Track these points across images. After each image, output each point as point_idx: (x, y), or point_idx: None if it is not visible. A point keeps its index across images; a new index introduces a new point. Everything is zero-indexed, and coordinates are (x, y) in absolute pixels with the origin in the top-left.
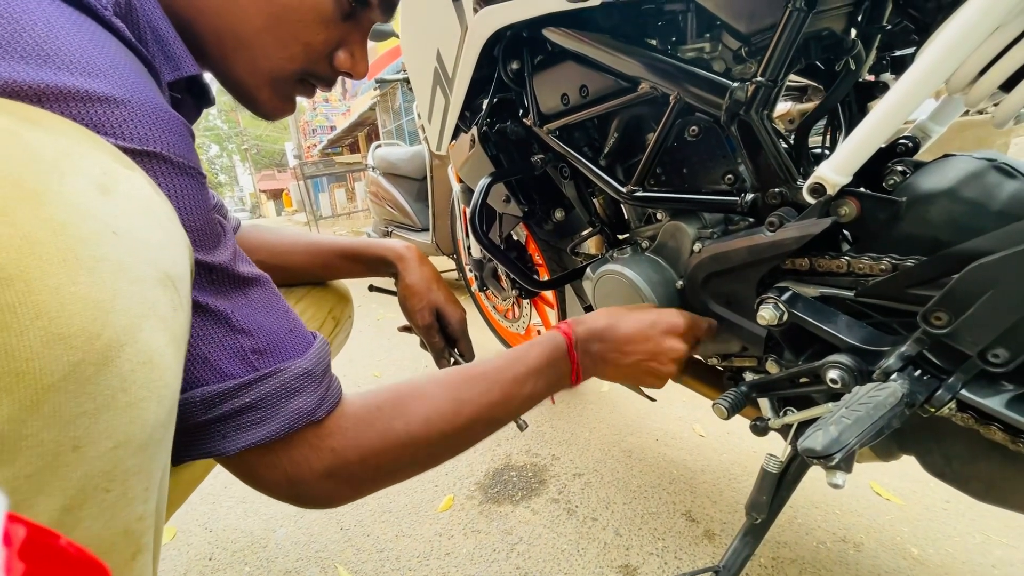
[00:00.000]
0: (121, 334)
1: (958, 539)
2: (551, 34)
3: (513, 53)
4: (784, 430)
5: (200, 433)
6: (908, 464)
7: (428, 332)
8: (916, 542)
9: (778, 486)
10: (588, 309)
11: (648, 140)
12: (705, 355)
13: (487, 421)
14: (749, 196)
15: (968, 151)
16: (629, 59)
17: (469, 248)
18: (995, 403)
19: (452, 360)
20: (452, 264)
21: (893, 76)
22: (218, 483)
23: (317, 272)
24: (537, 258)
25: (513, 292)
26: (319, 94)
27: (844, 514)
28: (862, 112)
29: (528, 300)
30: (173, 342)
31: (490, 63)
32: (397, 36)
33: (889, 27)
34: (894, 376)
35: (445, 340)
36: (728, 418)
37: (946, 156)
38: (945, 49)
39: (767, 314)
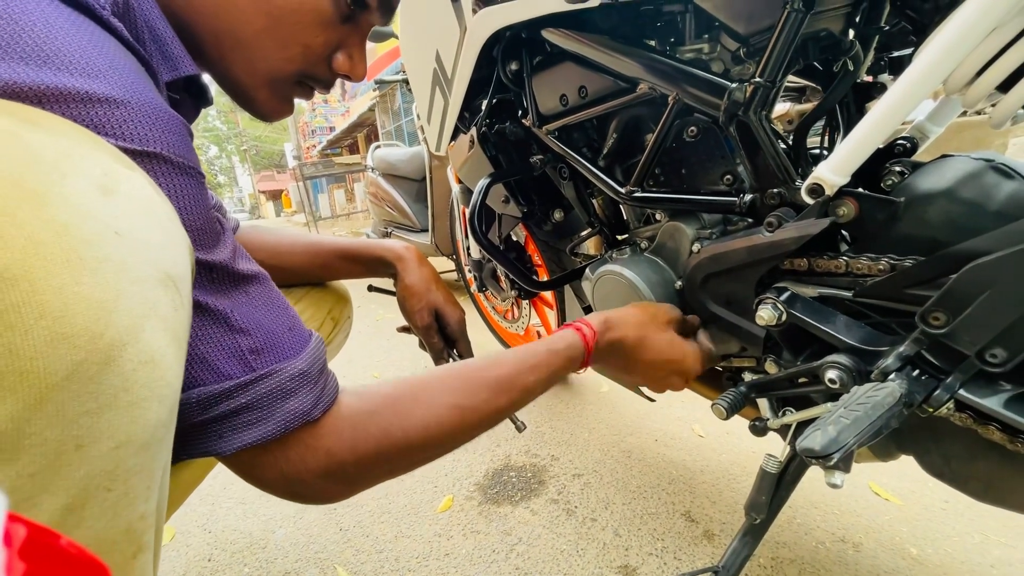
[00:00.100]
0: (123, 334)
1: (957, 539)
2: (550, 35)
3: (512, 54)
4: (783, 430)
5: (197, 433)
6: (907, 464)
7: (427, 333)
8: (915, 542)
9: (777, 486)
10: (588, 310)
11: (647, 141)
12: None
13: (488, 425)
14: (748, 197)
15: (966, 152)
16: (628, 60)
17: (468, 249)
18: (993, 403)
19: (451, 361)
20: (451, 265)
21: (891, 77)
22: (217, 484)
23: (316, 273)
24: (536, 259)
25: (512, 293)
26: (318, 95)
27: (843, 514)
28: (860, 113)
29: (527, 301)
30: (174, 342)
31: (489, 64)
32: (396, 37)
33: (887, 28)
34: (892, 376)
35: (444, 341)
36: (727, 418)
37: (944, 156)
38: (943, 50)
39: (766, 314)
